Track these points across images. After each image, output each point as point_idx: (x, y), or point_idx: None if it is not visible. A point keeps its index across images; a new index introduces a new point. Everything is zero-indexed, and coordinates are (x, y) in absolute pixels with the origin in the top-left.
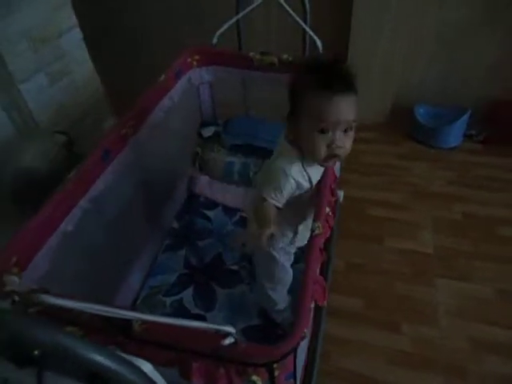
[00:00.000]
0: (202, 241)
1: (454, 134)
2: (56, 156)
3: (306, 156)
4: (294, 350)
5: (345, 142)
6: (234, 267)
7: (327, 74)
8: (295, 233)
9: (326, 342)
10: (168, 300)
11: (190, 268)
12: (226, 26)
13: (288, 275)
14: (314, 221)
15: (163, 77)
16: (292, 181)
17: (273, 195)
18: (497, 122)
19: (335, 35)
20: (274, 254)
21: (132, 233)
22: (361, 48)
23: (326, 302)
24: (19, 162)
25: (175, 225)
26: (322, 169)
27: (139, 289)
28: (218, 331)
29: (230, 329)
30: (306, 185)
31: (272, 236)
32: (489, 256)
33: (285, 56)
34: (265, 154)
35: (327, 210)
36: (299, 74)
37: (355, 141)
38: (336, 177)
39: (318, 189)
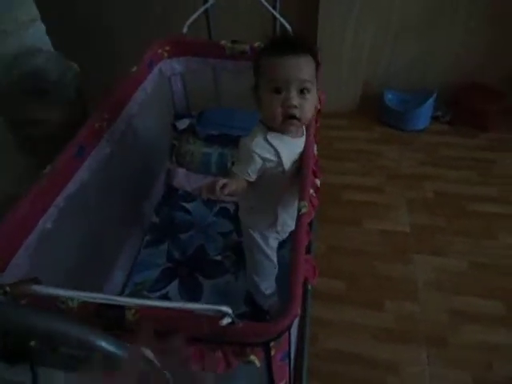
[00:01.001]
0: (183, 234)
1: (422, 117)
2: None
3: (267, 123)
4: (289, 328)
5: (302, 103)
6: (218, 258)
7: (276, 41)
8: (275, 216)
9: (313, 325)
10: (153, 295)
11: (173, 262)
12: (195, 15)
13: (267, 259)
14: (300, 200)
15: (135, 68)
16: (255, 155)
17: (241, 169)
18: (461, 104)
19: (304, 22)
20: (254, 236)
21: (112, 230)
22: (329, 35)
23: (315, 281)
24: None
25: (155, 219)
26: (294, 144)
27: (123, 286)
28: (216, 312)
29: (226, 309)
30: (275, 159)
31: (225, 186)
32: (461, 231)
33: (256, 44)
34: None
35: (311, 191)
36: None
37: (328, 128)
38: (317, 159)
39: (299, 170)
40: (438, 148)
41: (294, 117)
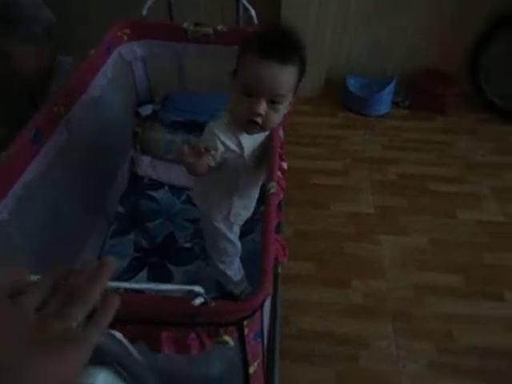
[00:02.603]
0: (151, 222)
1: (383, 102)
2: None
3: (232, 118)
4: (262, 306)
5: (269, 113)
6: (188, 245)
7: (267, 40)
8: (230, 205)
9: (284, 307)
10: (121, 285)
11: (141, 251)
12: None
13: (232, 246)
14: (269, 181)
15: (93, 51)
16: (217, 140)
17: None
18: (419, 89)
19: (266, 6)
20: (215, 224)
21: (74, 221)
22: (291, 20)
23: (286, 259)
24: None
25: (120, 209)
26: (258, 138)
27: None
28: (187, 292)
29: (198, 288)
30: (236, 150)
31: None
32: (422, 210)
33: (220, 27)
34: None
35: (278, 173)
36: (252, 35)
37: (294, 114)
38: (282, 143)
39: (263, 155)
40: (399, 132)
41: (257, 123)
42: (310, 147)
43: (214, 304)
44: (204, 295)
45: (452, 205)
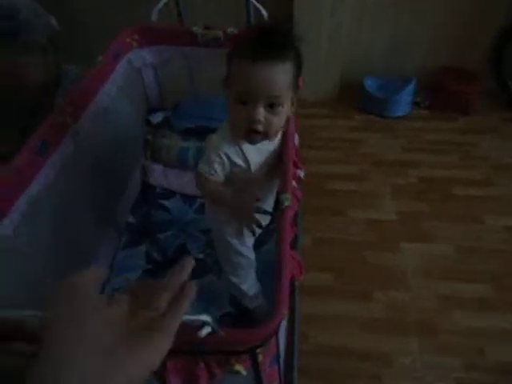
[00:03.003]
0: (162, 233)
1: (403, 103)
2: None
3: (231, 130)
4: (276, 332)
5: (269, 118)
6: (200, 256)
7: (255, 41)
8: None
9: (303, 322)
10: None
11: (153, 263)
12: (164, 0)
13: (245, 259)
14: (283, 193)
15: (100, 58)
16: (223, 156)
17: (206, 169)
18: (440, 88)
19: (278, 5)
20: (227, 238)
21: (84, 233)
22: (305, 21)
23: (302, 277)
24: None
25: (131, 219)
26: (265, 150)
27: (100, 293)
28: (192, 322)
29: (205, 317)
30: (242, 164)
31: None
32: (446, 215)
33: (230, 29)
34: None
35: (293, 183)
36: (238, 40)
37: (309, 117)
38: (297, 149)
39: (276, 164)
40: (419, 133)
41: (256, 131)
42: (326, 151)
43: (222, 333)
44: (211, 324)
45: (479, 210)
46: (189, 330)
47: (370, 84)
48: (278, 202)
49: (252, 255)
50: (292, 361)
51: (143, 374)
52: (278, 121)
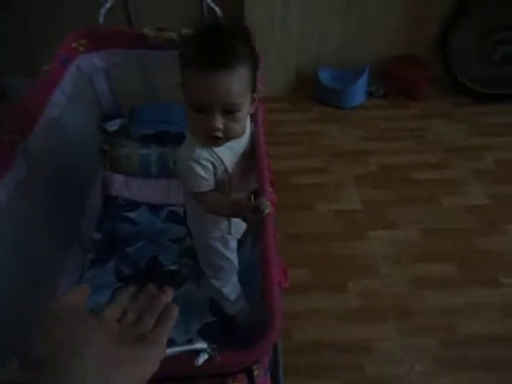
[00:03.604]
0: (131, 247)
1: (358, 93)
2: None
3: (192, 135)
4: (273, 347)
5: (228, 125)
6: (174, 267)
7: (201, 48)
8: (229, 219)
9: (284, 320)
10: None
11: (123, 279)
12: (111, 1)
13: (228, 262)
14: (261, 199)
15: (46, 68)
16: (202, 160)
17: (196, 185)
18: (392, 77)
19: (230, 3)
20: (210, 242)
21: (46, 255)
22: (257, 16)
23: (287, 283)
24: None
25: (96, 236)
26: (236, 145)
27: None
28: (189, 352)
29: (201, 345)
30: (218, 166)
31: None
32: (408, 201)
33: (184, 30)
34: (182, 139)
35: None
36: (184, 46)
37: (267, 112)
38: (267, 151)
39: (250, 167)
40: (375, 122)
41: (217, 137)
42: (287, 146)
43: (219, 358)
44: (208, 350)
45: (437, 192)
46: (185, 359)
47: (324, 76)
48: (257, 208)
49: (235, 258)
50: (277, 360)
51: (149, 373)
52: (239, 125)
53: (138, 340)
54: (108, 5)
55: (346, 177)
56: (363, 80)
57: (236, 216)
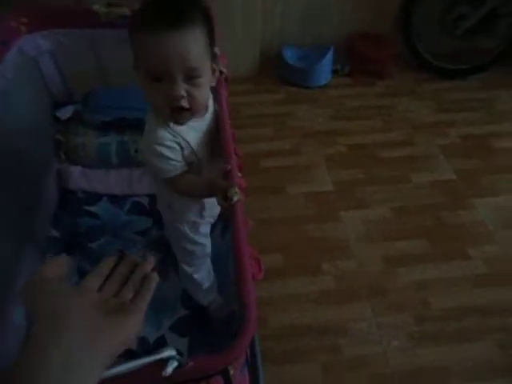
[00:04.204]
0: (94, 242)
1: (323, 72)
2: None
3: (155, 114)
4: (249, 346)
5: (191, 91)
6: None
7: (154, 10)
8: (202, 203)
9: (259, 306)
10: None
11: None
12: None
13: (200, 247)
14: (230, 186)
15: None
16: (167, 142)
17: (167, 168)
18: (356, 55)
19: None
20: (179, 227)
21: None
22: None
23: (261, 275)
24: None
25: (54, 233)
26: (199, 124)
27: (27, 322)
28: (158, 361)
29: (168, 352)
30: (186, 147)
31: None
32: (378, 179)
33: (137, 5)
34: (142, 125)
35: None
36: (134, 13)
37: (231, 95)
38: (234, 133)
39: (218, 146)
40: (342, 101)
41: (182, 108)
42: (255, 128)
43: (190, 364)
44: (177, 357)
45: (405, 169)
46: (153, 369)
47: (289, 55)
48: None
49: (208, 243)
50: (254, 348)
51: (121, 349)
52: (201, 93)
53: (118, 310)
54: None
55: (316, 158)
56: (328, 58)
57: (211, 197)
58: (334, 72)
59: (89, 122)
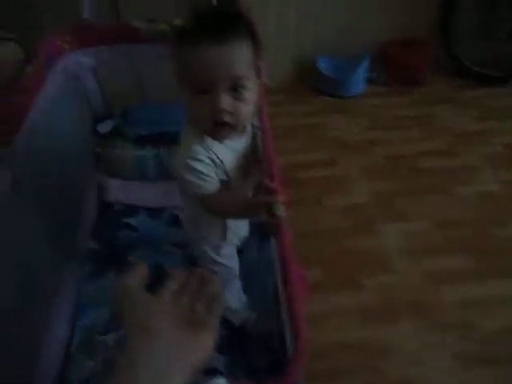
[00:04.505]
0: (132, 254)
1: (359, 81)
2: None
3: (196, 128)
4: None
5: (236, 106)
6: None
7: (199, 24)
8: (224, 224)
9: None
10: (109, 338)
11: None
12: None
13: (223, 268)
14: (274, 202)
15: (29, 69)
16: (201, 157)
17: (200, 184)
18: (391, 63)
19: None
20: (202, 245)
21: (38, 271)
22: (252, 4)
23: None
24: None
25: (93, 245)
26: (236, 145)
27: (69, 335)
28: None
29: (219, 382)
30: (219, 166)
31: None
32: (417, 191)
33: (177, 22)
34: (178, 139)
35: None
36: (179, 29)
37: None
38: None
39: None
40: (378, 110)
41: (225, 123)
42: (290, 140)
43: None
44: None
45: (448, 181)
46: None
47: (323, 66)
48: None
49: (235, 265)
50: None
51: (199, 365)
52: (247, 108)
53: (194, 325)
54: None
55: (352, 169)
56: (363, 67)
57: (249, 216)
58: (370, 81)
59: (127, 135)
